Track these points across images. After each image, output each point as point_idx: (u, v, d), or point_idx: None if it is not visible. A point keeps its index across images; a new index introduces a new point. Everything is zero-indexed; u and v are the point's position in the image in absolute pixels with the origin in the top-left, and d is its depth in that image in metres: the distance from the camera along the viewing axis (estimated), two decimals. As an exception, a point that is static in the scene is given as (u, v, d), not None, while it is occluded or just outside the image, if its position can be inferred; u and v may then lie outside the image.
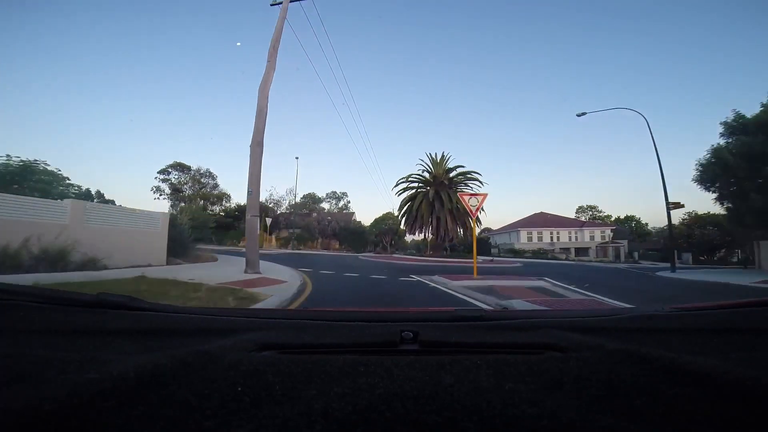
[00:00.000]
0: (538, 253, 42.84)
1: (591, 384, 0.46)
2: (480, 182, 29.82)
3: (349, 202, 41.56)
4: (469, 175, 30.38)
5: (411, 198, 30.00)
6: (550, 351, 0.67)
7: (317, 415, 0.37)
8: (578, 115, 23.98)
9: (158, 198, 43.57)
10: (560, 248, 46.29)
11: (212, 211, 46.04)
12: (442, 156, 31.21)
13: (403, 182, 32.02)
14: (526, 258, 37.33)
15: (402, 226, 32.18)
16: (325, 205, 41.74)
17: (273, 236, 40.99)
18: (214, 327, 0.83)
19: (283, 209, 43.26)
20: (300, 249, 39.47)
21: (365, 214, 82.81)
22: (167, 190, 43.60)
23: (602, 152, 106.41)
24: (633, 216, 65.15)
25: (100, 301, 0.85)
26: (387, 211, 52.11)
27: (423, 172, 31.44)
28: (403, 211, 30.88)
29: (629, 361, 0.52)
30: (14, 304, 0.75)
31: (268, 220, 30.29)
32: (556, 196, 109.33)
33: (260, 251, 23.68)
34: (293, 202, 39.51)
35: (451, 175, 30.11)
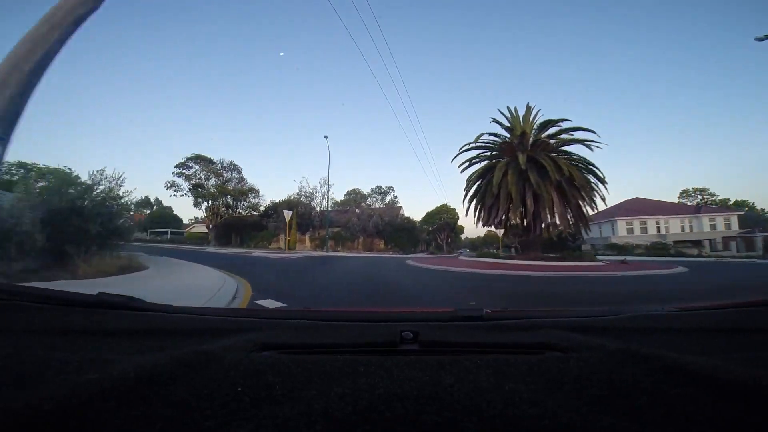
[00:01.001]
0: (658, 248, 34.11)
1: (591, 384, 0.45)
2: (591, 145, 18.67)
3: (396, 197, 34.21)
4: (574, 134, 19.18)
5: (486, 170, 19.76)
6: (550, 351, 0.66)
7: (317, 415, 0.37)
8: (758, 39, 13.82)
9: (175, 195, 38.76)
10: (674, 241, 36.90)
11: (239, 209, 40.39)
12: (528, 108, 19.88)
13: (469, 148, 20.97)
14: (646, 256, 29.41)
15: (471, 214, 21.22)
16: (370, 203, 34.44)
17: (307, 236, 33.79)
18: (214, 327, 0.82)
19: (316, 203, 36.28)
20: (338, 250, 32.07)
21: (414, 210, 75.88)
22: (185, 186, 38.36)
23: (707, 123, 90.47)
24: (745, 201, 53.81)
25: (99, 301, 0.84)
26: (441, 204, 43.71)
27: (493, 138, 21.60)
28: (471, 191, 20.74)
29: (630, 361, 0.52)
30: (14, 304, 0.75)
31: (287, 214, 22.99)
32: (649, 179, 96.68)
33: (289, 254, 17.42)
34: (327, 194, 32.31)
35: (548, 133, 19.63)
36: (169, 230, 59.52)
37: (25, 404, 0.34)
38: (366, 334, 0.77)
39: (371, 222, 33.24)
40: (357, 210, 34.25)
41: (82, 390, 0.38)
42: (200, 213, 39.62)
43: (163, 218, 62.32)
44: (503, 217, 19.00)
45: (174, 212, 60.03)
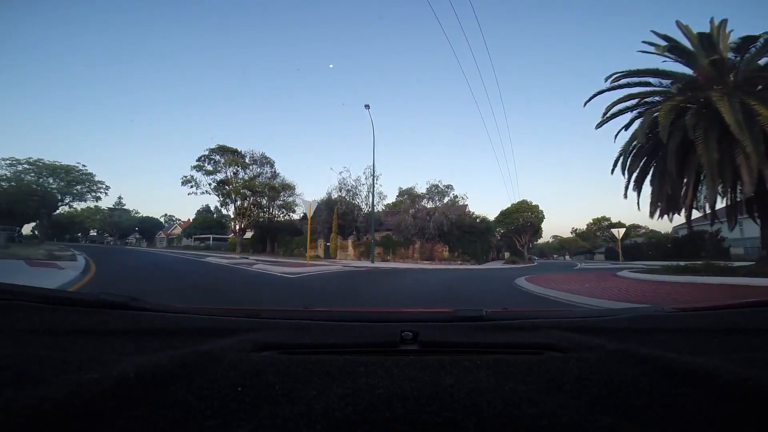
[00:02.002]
0: None
1: (591, 384, 0.46)
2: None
3: (457, 196, 26.25)
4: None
5: (653, 125, 10.65)
6: (550, 351, 0.66)
7: (317, 415, 0.37)
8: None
9: (194, 193, 33.11)
10: None
11: (272, 209, 34.11)
12: (716, 24, 11.28)
13: (622, 81, 12.02)
14: None
15: (633, 191, 12.57)
16: (426, 204, 26.53)
17: (350, 241, 26.23)
18: (215, 327, 0.82)
19: (361, 200, 28.64)
20: (387, 259, 23.83)
21: (478, 210, 65.60)
22: (206, 182, 32.51)
23: None
24: None
25: (100, 301, 0.85)
26: (520, 200, 34.49)
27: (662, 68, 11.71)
28: (628, 163, 12.19)
29: (629, 362, 0.52)
30: (14, 304, 0.75)
31: (306, 204, 15.28)
32: None
33: (314, 266, 13.53)
34: (373, 185, 24.59)
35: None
36: (211, 236, 55.25)
37: (26, 404, 0.34)
38: (366, 334, 0.77)
39: (432, 221, 24.97)
40: (411, 210, 26.17)
41: (82, 390, 0.38)
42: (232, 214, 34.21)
43: (207, 224, 58.75)
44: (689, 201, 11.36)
45: (220, 217, 56.18)
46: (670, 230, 22.85)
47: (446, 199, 26.29)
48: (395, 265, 21.52)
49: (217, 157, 32.34)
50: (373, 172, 24.95)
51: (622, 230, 24.59)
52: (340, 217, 28.31)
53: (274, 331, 0.78)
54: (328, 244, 28.54)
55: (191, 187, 32.47)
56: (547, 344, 0.69)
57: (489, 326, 0.84)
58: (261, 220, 34.84)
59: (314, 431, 0.35)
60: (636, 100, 12.30)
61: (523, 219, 35.12)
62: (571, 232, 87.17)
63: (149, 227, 76.27)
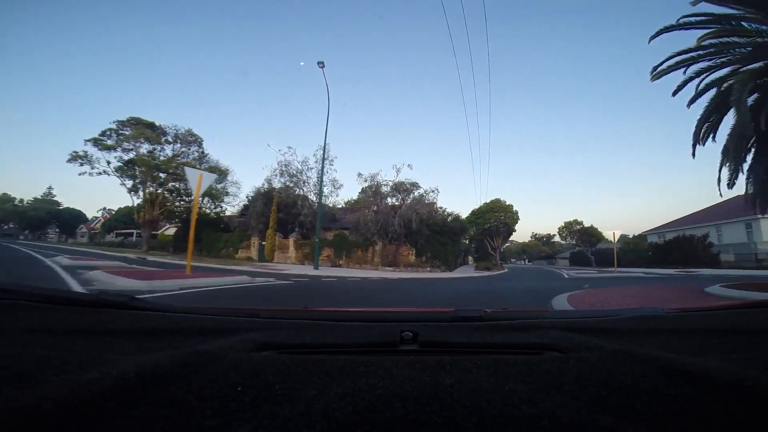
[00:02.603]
0: None
1: (591, 384, 0.46)
2: None
3: (426, 191, 21.86)
4: None
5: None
6: (549, 351, 0.66)
7: (317, 415, 0.37)
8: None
9: (91, 173, 25.54)
10: None
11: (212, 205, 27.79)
12: None
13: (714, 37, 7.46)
14: None
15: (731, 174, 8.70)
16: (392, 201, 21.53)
17: (291, 240, 20.66)
18: (214, 327, 0.82)
19: (309, 189, 23.04)
20: (339, 264, 18.52)
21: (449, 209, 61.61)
22: (105, 160, 25.21)
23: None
24: None
25: (100, 300, 0.84)
26: (493, 199, 30.91)
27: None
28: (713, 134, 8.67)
29: (629, 362, 0.52)
30: (14, 304, 0.75)
31: (192, 175, 9.58)
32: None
33: (251, 268, 13.29)
34: (322, 163, 19.01)
35: None
36: (135, 232, 46.85)
37: (26, 404, 0.34)
38: (366, 334, 0.77)
39: (398, 217, 19.96)
40: (373, 205, 20.98)
41: (82, 389, 0.38)
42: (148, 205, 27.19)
43: (132, 217, 50.30)
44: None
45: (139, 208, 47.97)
46: (631, 236, 19.83)
47: (412, 197, 21.48)
48: (348, 272, 16.23)
49: (128, 132, 25.34)
50: (324, 146, 18.91)
51: (618, 233, 21.24)
52: (281, 209, 22.57)
53: (274, 331, 0.78)
54: (263, 243, 22.68)
55: (81, 165, 25.16)
56: (547, 344, 0.69)
57: (489, 326, 0.84)
58: (176, 209, 28.16)
59: (314, 431, 0.34)
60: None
61: (495, 219, 31.21)
62: (531, 237, 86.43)
63: (68, 220, 66.13)
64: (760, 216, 27.62)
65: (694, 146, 9.23)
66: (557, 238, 79.38)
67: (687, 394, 0.41)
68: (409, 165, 21.67)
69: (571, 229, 42.70)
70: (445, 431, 0.35)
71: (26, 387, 0.39)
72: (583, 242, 41.52)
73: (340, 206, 26.61)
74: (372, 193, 21.86)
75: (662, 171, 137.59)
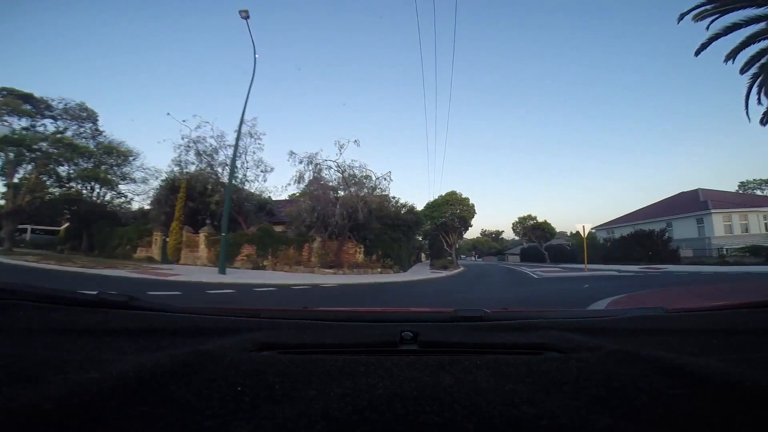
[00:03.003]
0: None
1: (590, 385, 0.46)
2: None
3: (377, 179, 18.29)
4: None
5: None
6: (549, 351, 0.66)
7: (317, 415, 0.37)
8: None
9: None
10: None
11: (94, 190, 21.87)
12: None
13: None
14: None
15: None
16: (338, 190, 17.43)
17: (202, 235, 15.83)
18: (214, 327, 0.82)
19: (216, 168, 18.21)
20: (263, 266, 14.00)
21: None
22: None
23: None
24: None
25: (100, 300, 0.84)
26: (448, 192, 28.19)
27: None
28: None
29: (628, 362, 0.52)
30: (14, 304, 0.74)
31: None
32: (702, 169, 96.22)
33: (136, 273, 10.61)
34: (238, 136, 14.19)
35: None
36: (29, 227, 37.79)
37: (26, 404, 0.34)
38: (366, 334, 0.77)
39: (340, 208, 15.87)
40: (315, 193, 16.65)
41: (82, 389, 0.38)
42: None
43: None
44: None
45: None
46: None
47: (359, 182, 17.53)
48: (269, 277, 12.07)
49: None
50: (244, 109, 13.51)
51: (588, 226, 19.06)
52: (192, 197, 17.59)
53: (274, 331, 0.78)
54: (167, 239, 17.53)
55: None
56: (547, 344, 0.68)
57: (489, 326, 0.85)
58: (50, 196, 21.87)
59: (314, 431, 0.34)
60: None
61: (452, 213, 28.33)
62: (481, 233, 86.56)
63: None
64: (712, 211, 27.79)
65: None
66: (508, 234, 79.98)
67: (687, 394, 0.41)
68: (355, 141, 17.08)
69: (524, 224, 41.52)
70: (445, 431, 0.35)
71: (26, 387, 0.39)
72: (536, 238, 40.59)
73: (283, 197, 21.78)
74: (301, 176, 17.21)
75: (611, 167, 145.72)
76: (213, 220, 18.14)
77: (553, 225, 41.24)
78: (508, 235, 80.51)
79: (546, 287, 10.53)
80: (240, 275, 11.80)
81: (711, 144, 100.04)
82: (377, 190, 18.45)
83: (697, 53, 8.24)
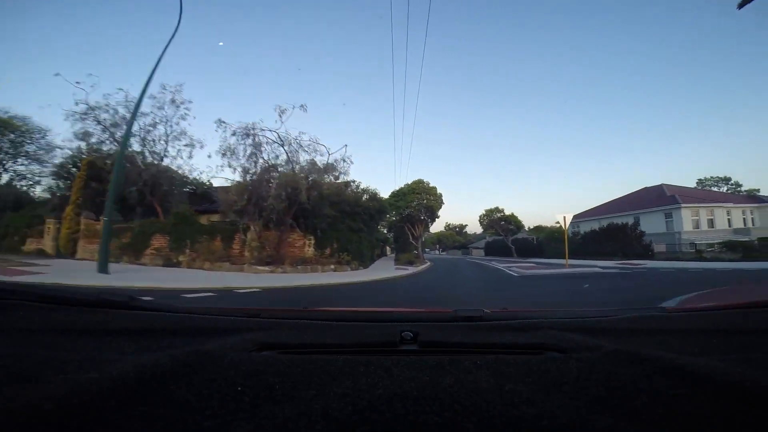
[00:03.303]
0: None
1: (590, 384, 0.46)
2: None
3: (336, 160, 15.35)
4: None
5: None
6: (549, 351, 0.66)
7: (317, 415, 0.37)
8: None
9: None
10: (758, 238, 24.36)
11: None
12: None
13: None
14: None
15: None
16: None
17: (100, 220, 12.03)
18: (214, 327, 0.82)
19: (154, 148, 14.67)
20: (177, 262, 11.07)
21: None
22: None
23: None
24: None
25: (100, 300, 0.84)
26: (415, 180, 26.10)
27: None
28: None
29: (628, 362, 0.53)
30: (14, 304, 0.75)
31: None
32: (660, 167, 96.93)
33: None
34: (140, 101, 10.61)
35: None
36: None
37: (26, 404, 0.34)
38: (366, 334, 0.77)
39: (277, 188, 12.60)
40: (250, 171, 13.20)
41: (82, 389, 0.38)
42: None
43: None
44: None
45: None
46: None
47: (306, 159, 14.25)
48: (177, 277, 8.91)
49: None
50: (160, 60, 9.70)
51: (569, 216, 16.90)
52: (97, 176, 13.83)
53: (274, 331, 0.78)
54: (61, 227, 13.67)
55: None
56: (547, 344, 0.68)
57: (488, 326, 0.85)
58: None
59: (314, 431, 0.34)
60: None
61: (418, 203, 25.86)
62: (446, 227, 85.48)
63: None
64: (682, 205, 27.13)
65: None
66: (471, 228, 78.88)
67: (687, 394, 0.41)
68: (302, 106, 13.46)
69: (491, 216, 39.30)
70: (445, 431, 0.35)
71: (26, 387, 0.39)
72: (503, 231, 38.66)
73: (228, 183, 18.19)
74: (231, 150, 13.21)
75: (577, 161, 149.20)
76: (124, 204, 14.43)
77: (519, 219, 39.87)
78: (471, 229, 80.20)
79: (540, 290, 8.07)
80: (129, 275, 8.50)
81: (672, 141, 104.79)
82: (336, 173, 15.39)
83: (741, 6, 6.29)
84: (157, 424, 0.35)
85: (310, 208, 13.33)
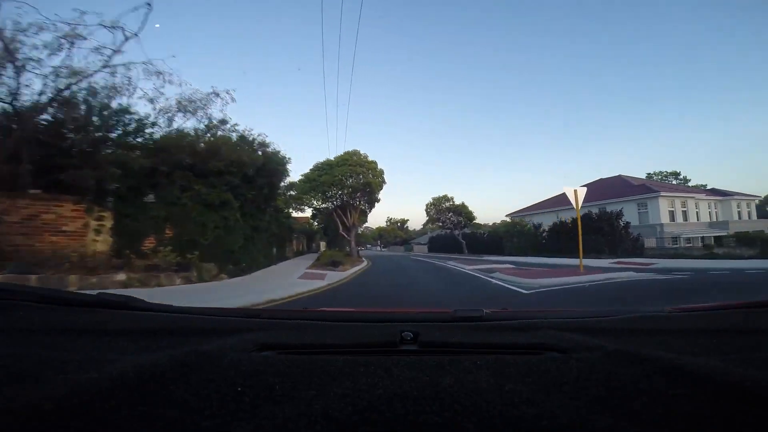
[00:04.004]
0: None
1: (590, 385, 0.46)
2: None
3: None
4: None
5: None
6: (549, 352, 0.66)
7: (317, 415, 0.37)
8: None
9: None
10: (735, 232, 22.87)
11: None
12: None
13: None
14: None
15: None
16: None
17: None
18: (214, 327, 0.82)
19: None
20: None
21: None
22: None
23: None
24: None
25: (100, 300, 0.84)
26: (350, 150, 19.08)
27: None
28: None
29: (628, 362, 0.52)
30: (14, 304, 0.75)
31: None
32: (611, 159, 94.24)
33: None
34: None
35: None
36: None
37: (26, 403, 0.34)
38: (366, 334, 0.76)
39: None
40: None
41: (82, 389, 0.38)
42: None
43: None
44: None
45: None
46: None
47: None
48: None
49: None
50: None
51: (582, 191, 11.14)
52: None
53: (274, 331, 0.78)
54: None
55: None
56: (547, 344, 0.68)
57: (488, 326, 0.84)
58: None
59: (314, 431, 0.34)
60: None
61: (354, 178, 18.78)
62: (387, 221, 79.79)
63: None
64: (661, 194, 23.28)
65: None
66: (413, 223, 73.67)
67: (687, 395, 0.41)
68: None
69: (439, 206, 33.77)
70: (445, 431, 0.35)
71: (27, 386, 0.39)
72: (452, 224, 33.55)
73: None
74: None
75: (523, 153, 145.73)
76: None
77: (471, 209, 34.57)
78: (413, 225, 76.11)
79: None
80: None
81: (622, 135, 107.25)
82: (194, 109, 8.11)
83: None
84: (156, 424, 0.35)
85: (86, 148, 5.78)
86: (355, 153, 20.38)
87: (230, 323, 0.85)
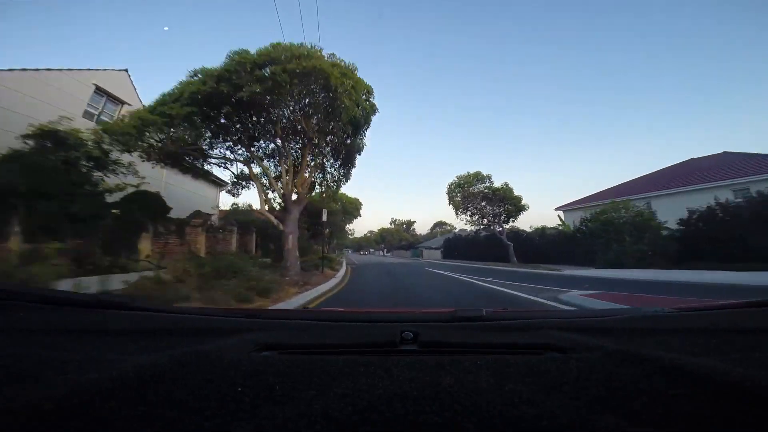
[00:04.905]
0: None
1: (591, 384, 0.46)
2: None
3: None
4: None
5: None
6: (550, 351, 0.67)
7: (317, 415, 0.37)
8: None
9: None
10: None
11: None
12: None
13: None
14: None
15: None
16: None
17: None
18: (214, 327, 0.83)
19: None
20: None
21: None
22: None
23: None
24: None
25: (100, 301, 0.85)
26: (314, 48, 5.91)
27: None
28: None
29: (629, 362, 0.53)
30: (14, 304, 0.75)
31: None
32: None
33: None
34: None
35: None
36: None
37: (26, 403, 0.34)
38: (366, 334, 0.77)
39: None
40: None
41: (82, 389, 0.38)
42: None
43: None
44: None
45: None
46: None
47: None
48: None
49: None
50: None
51: None
52: None
53: (274, 331, 0.78)
54: None
55: None
56: (547, 344, 0.69)
57: (489, 326, 0.84)
58: None
59: (314, 431, 0.35)
60: None
61: (300, 89, 5.07)
62: (391, 222, 76.16)
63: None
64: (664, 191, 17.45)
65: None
66: (419, 228, 69.27)
67: (687, 394, 0.41)
68: None
69: (466, 188, 21.10)
70: (445, 431, 0.35)
71: (27, 386, 0.39)
72: (492, 216, 20.81)
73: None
74: None
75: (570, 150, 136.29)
76: None
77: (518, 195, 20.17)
78: (419, 229, 72.53)
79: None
80: None
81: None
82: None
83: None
84: (156, 424, 0.35)
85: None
86: (340, 66, 7.25)
87: (230, 323, 0.85)
